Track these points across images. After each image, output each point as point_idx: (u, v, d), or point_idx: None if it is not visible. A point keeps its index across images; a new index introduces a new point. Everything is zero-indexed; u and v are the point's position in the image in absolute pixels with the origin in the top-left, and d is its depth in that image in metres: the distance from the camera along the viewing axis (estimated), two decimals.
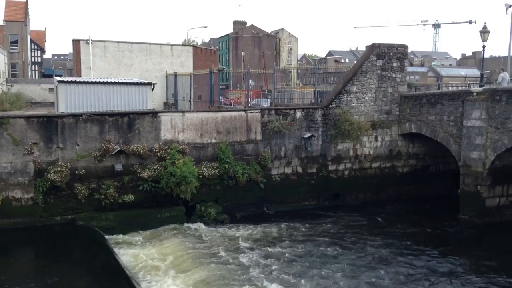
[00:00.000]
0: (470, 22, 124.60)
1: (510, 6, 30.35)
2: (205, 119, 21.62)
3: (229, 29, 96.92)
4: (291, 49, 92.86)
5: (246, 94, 28.37)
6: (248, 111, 22.75)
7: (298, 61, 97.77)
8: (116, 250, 16.73)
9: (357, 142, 24.36)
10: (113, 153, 19.22)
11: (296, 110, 23.40)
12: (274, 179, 22.83)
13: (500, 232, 19.64)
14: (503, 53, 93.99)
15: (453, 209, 21.74)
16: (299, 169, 23.38)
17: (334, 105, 23.94)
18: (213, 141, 21.61)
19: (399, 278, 15.01)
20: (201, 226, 19.65)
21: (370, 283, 14.59)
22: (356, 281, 14.70)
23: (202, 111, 22.90)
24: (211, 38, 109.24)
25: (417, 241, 18.65)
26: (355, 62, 27.16)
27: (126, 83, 21.63)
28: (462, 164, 21.50)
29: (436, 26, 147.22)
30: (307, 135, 23.19)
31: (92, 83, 21.04)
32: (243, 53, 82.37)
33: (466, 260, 16.75)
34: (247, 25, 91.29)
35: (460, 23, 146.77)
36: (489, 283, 14.76)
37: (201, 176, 20.32)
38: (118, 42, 37.53)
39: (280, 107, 24.64)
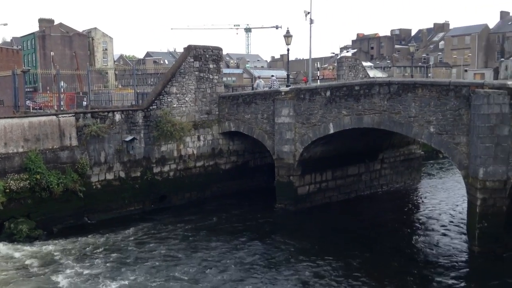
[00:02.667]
0: (277, 27, 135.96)
1: (309, 13, 33.99)
2: (9, 126, 19.26)
3: (35, 27, 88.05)
4: (106, 49, 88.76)
5: (58, 97, 26.15)
6: (60, 115, 20.99)
7: (115, 61, 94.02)
8: None
9: (180, 142, 24.51)
10: None
11: (115, 113, 22.45)
12: (94, 187, 21.54)
13: (310, 216, 21.97)
14: (307, 55, 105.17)
15: (271, 199, 23.50)
16: (122, 174, 22.51)
17: (155, 107, 23.66)
18: (20, 150, 19.39)
19: (221, 268, 15.60)
20: (9, 246, 17.48)
21: (195, 279, 14.83)
22: (183, 277, 14.80)
23: (5, 117, 20.32)
24: (13, 37, 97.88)
25: (240, 231, 19.71)
26: (174, 63, 27.24)
27: None
28: (276, 157, 23.35)
29: (248, 30, 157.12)
30: (129, 138, 22.45)
31: None
32: (52, 53, 75.68)
33: (283, 244, 18.27)
34: (55, 23, 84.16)
35: (268, 27, 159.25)
36: (304, 261, 16.34)
37: (7, 190, 18.08)
38: None
39: (97, 109, 23.32)
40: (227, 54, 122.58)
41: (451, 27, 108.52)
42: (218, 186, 26.03)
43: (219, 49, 26.44)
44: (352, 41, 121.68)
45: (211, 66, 25.82)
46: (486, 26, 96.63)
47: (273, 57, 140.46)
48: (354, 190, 25.61)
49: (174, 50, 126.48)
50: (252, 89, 29.51)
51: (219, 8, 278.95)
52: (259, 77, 33.17)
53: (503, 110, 15.70)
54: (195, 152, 25.29)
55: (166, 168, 24.08)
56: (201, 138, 25.62)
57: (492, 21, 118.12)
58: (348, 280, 14.78)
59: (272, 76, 31.52)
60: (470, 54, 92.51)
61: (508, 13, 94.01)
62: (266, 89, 28.05)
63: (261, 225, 20.84)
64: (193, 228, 20.14)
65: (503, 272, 15.12)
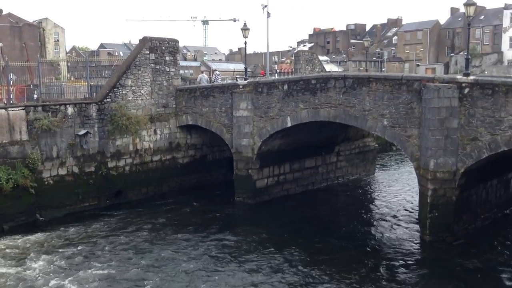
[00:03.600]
0: (235, 20, 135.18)
1: (266, 6, 34.06)
2: None
3: None
4: (58, 40, 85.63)
5: (7, 89, 24.99)
6: (9, 109, 20.11)
7: (67, 53, 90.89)
8: None
9: (136, 136, 24.04)
10: None
11: (68, 106, 21.74)
12: (46, 183, 20.81)
13: (269, 208, 22.14)
14: (265, 49, 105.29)
15: (230, 193, 23.49)
16: (75, 169, 21.86)
17: (109, 100, 23.07)
18: None
19: (180, 264, 15.49)
20: None
21: (152, 274, 14.66)
22: (136, 274, 14.61)
23: None
24: None
25: (198, 225, 19.61)
26: (129, 55, 26.63)
27: None
28: (234, 151, 23.34)
29: (205, 22, 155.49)
30: (82, 132, 21.81)
31: None
32: (0, 44, 72.27)
33: (243, 236, 18.34)
34: (3, 13, 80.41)
35: (226, 20, 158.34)
36: (264, 253, 16.46)
37: None
38: None
39: (48, 103, 22.49)
40: (184, 46, 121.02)
41: (404, 22, 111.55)
42: (176, 180, 25.74)
43: (176, 41, 26.05)
44: (309, 35, 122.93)
45: (167, 58, 25.41)
46: (437, 22, 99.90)
47: (231, 50, 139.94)
48: (311, 182, 25.99)
49: (129, 42, 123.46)
50: (199, 82, 29.32)
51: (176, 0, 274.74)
52: (202, 72, 32.90)
53: (453, 103, 16.31)
54: (151, 146, 24.88)
55: (121, 163, 23.57)
56: (158, 131, 25.23)
57: (443, 17, 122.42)
58: (305, 270, 15.02)
59: (215, 70, 31.46)
60: (422, 49, 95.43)
61: (458, 9, 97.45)
62: (217, 83, 28.01)
63: (220, 219, 20.80)
64: (150, 223, 19.86)
65: (453, 259, 15.77)
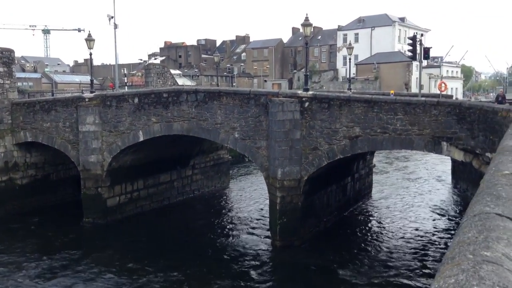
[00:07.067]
0: (80, 30, 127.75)
1: (113, 17, 32.85)
2: None
3: None
4: None
5: None
6: None
7: None
8: None
9: None
10: None
11: None
12: None
13: (122, 228, 21.14)
14: (114, 61, 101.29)
15: (78, 214, 21.87)
16: None
17: None
18: None
19: None
20: None
21: None
22: None
23: None
24: None
25: (41, 252, 17.84)
26: None
27: None
28: (81, 168, 21.86)
29: (46, 31, 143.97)
30: None
31: None
32: None
33: (91, 260, 17.17)
34: None
35: (70, 30, 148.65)
36: (113, 276, 15.60)
37: None
38: None
39: None
40: (22, 56, 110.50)
41: (251, 39, 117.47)
42: (14, 204, 23.13)
43: (11, 51, 23.59)
44: (160, 48, 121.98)
45: (1, 69, 22.87)
46: (281, 40, 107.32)
47: (76, 62, 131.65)
48: (167, 197, 25.59)
49: None
50: (52, 94, 27.12)
51: (11, 6, 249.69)
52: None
53: (295, 116, 17.57)
54: None
55: None
56: None
57: (286, 36, 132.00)
58: None
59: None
60: (268, 66, 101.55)
61: (299, 29, 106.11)
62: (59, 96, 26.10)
63: (65, 244, 19.15)
64: None
65: (301, 261, 16.85)
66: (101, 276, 15.78)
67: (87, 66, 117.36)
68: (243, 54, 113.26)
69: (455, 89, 77.29)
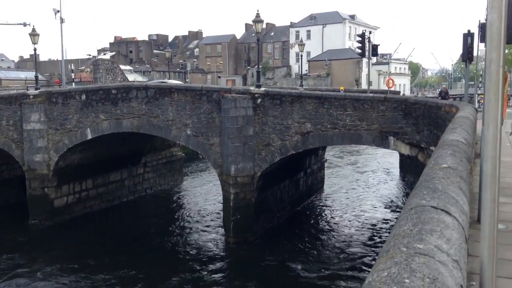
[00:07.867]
0: (25, 25, 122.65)
1: (59, 11, 31.64)
2: None
3: None
4: None
5: None
6: None
7: None
8: None
9: None
10: None
11: None
12: None
13: (69, 229, 20.42)
14: (61, 56, 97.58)
15: (23, 216, 20.97)
16: None
17: None
18: None
19: None
20: None
21: None
22: None
23: None
24: None
25: None
26: None
27: None
28: (26, 168, 20.98)
29: None
30: None
31: None
32: None
33: (37, 264, 16.53)
34: None
35: (14, 24, 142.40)
36: (59, 281, 15.08)
37: None
38: None
39: None
40: None
41: (204, 35, 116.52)
42: None
43: None
44: (110, 43, 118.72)
45: None
46: (234, 36, 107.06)
47: (22, 57, 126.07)
48: (118, 196, 24.99)
49: None
50: None
51: None
52: None
53: (248, 112, 17.58)
54: None
55: None
56: None
57: (240, 32, 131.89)
58: None
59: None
60: (222, 62, 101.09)
61: (252, 25, 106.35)
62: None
63: (9, 247, 18.29)
64: None
65: (254, 257, 16.91)
66: (48, 279, 15.21)
67: (34, 62, 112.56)
68: (196, 50, 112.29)
69: (403, 85, 79.94)
